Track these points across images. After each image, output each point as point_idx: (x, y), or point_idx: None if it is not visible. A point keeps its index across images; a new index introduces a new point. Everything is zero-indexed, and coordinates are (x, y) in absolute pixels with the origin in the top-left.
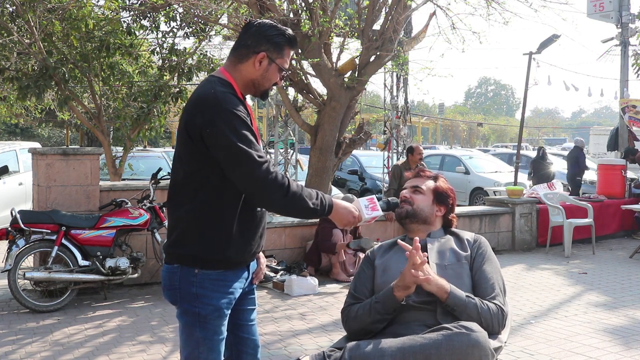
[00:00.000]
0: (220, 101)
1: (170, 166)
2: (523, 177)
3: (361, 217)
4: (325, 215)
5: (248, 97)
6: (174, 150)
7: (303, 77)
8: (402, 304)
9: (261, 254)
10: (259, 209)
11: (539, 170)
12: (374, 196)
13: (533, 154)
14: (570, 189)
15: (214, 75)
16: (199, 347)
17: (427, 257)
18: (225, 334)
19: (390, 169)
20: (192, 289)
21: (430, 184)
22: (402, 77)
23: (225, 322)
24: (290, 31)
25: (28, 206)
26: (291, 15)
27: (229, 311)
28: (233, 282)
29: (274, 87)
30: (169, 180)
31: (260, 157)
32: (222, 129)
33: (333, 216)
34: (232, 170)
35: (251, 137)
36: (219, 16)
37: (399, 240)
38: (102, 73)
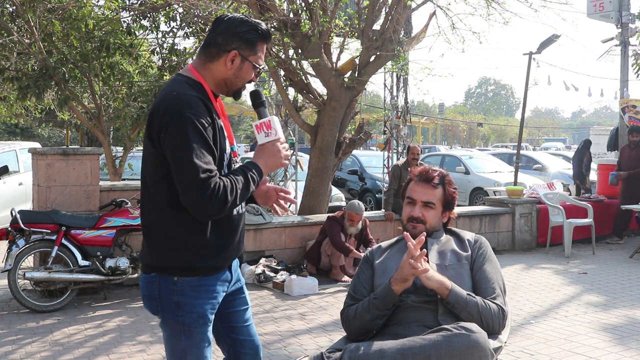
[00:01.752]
0: (179, 105)
1: None
2: (523, 177)
3: (279, 138)
4: (261, 180)
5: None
6: None
7: (303, 77)
8: (401, 300)
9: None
10: (235, 212)
11: (580, 165)
12: (267, 120)
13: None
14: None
15: (181, 74)
16: (186, 356)
17: (427, 257)
18: (211, 339)
19: (390, 169)
20: (173, 297)
21: (439, 193)
22: (402, 77)
23: (211, 328)
24: (263, 25)
25: (28, 206)
26: (291, 15)
27: (213, 317)
28: (215, 286)
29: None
30: (140, 184)
31: (205, 170)
32: (172, 134)
33: (266, 172)
34: (175, 179)
35: (202, 147)
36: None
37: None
38: (102, 73)
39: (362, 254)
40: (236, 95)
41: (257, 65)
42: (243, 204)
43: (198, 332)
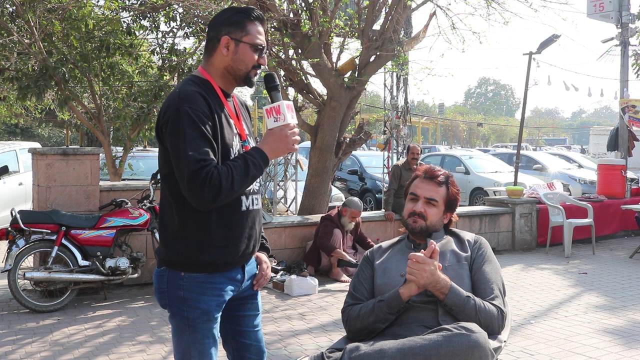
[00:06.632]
0: (179, 100)
1: None
2: (523, 177)
3: (289, 124)
4: (267, 165)
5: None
6: None
7: (303, 77)
8: (407, 307)
9: (265, 257)
10: (244, 207)
11: None
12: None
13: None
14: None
15: (192, 74)
16: (190, 350)
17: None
18: (217, 337)
19: (390, 169)
20: (180, 292)
21: (443, 192)
22: (402, 77)
23: (216, 326)
24: (247, 6)
25: (28, 206)
26: (291, 15)
27: (219, 314)
28: (222, 284)
29: (262, 72)
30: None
31: (198, 160)
32: (170, 128)
33: (272, 157)
34: (175, 171)
35: (197, 138)
36: None
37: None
38: (102, 73)
39: (347, 256)
40: (247, 82)
41: (256, 45)
42: (256, 200)
43: (202, 328)
